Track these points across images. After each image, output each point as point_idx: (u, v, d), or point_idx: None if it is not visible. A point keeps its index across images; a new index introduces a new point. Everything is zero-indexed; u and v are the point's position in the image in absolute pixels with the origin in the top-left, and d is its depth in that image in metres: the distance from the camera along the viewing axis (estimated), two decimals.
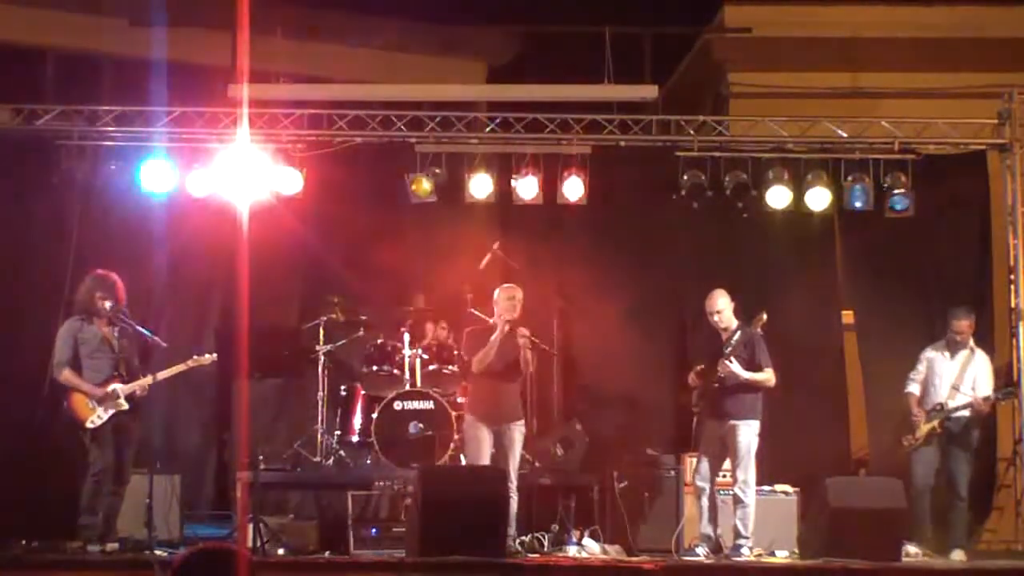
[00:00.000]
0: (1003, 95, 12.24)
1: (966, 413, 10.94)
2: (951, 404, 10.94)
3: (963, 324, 11.10)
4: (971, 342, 11.14)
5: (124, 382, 10.06)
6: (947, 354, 11.12)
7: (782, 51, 14.07)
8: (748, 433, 10.38)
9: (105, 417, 9.97)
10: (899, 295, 12.14)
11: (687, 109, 13.14)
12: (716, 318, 10.59)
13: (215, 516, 11.67)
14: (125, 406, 10.01)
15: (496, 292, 10.50)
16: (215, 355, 10.52)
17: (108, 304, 10.10)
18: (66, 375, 10.09)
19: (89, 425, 9.96)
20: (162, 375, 10.25)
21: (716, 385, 10.43)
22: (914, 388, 11.14)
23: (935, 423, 10.91)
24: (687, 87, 15.39)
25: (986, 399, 10.97)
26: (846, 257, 12.50)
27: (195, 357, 10.39)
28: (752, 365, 10.46)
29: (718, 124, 12.53)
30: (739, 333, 10.50)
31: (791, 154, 12.29)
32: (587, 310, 12.11)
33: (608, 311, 11.98)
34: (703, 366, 10.61)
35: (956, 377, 11.01)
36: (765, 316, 10.53)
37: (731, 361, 10.38)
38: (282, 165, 11.83)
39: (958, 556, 10.68)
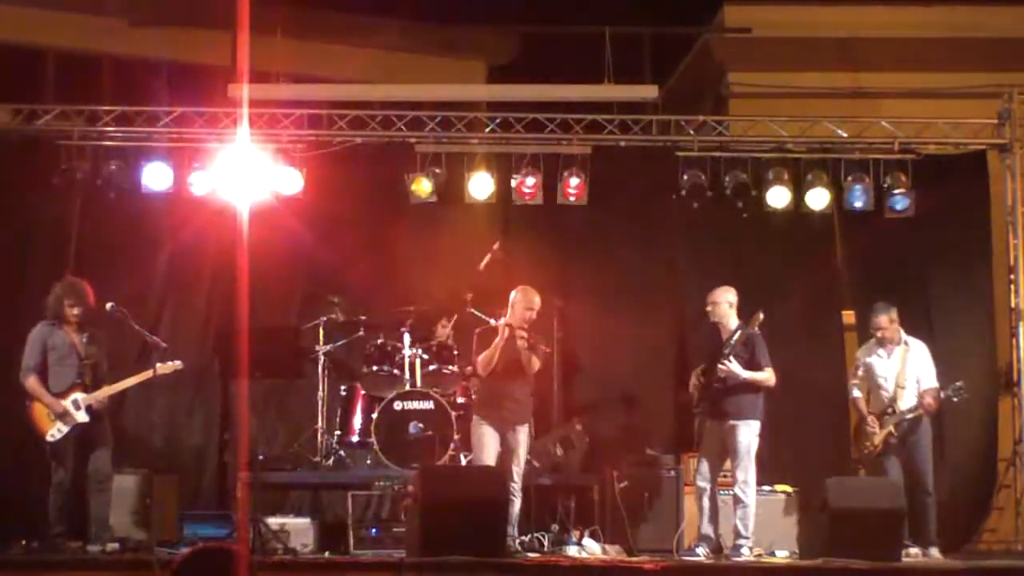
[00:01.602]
0: (1003, 95, 12.25)
1: (915, 414, 10.76)
2: (902, 407, 10.75)
3: (881, 320, 10.88)
4: (902, 335, 10.91)
5: (86, 391, 10.00)
6: (882, 353, 10.92)
7: (782, 51, 14.08)
8: (748, 433, 10.38)
9: (65, 431, 9.92)
10: (899, 295, 12.12)
11: (687, 109, 13.16)
12: (709, 308, 10.59)
13: (215, 516, 11.66)
14: (84, 419, 9.95)
15: (514, 294, 10.34)
16: (179, 363, 10.41)
17: (76, 311, 10.06)
18: (31, 383, 10.02)
19: (49, 439, 9.91)
20: (119, 386, 10.18)
21: (717, 385, 10.43)
22: (857, 392, 10.97)
23: (890, 428, 10.73)
24: (687, 87, 15.40)
25: (934, 397, 10.75)
26: (846, 257, 12.50)
27: (158, 365, 10.31)
28: (752, 364, 10.45)
29: (718, 124, 12.54)
30: (738, 333, 10.50)
31: (791, 154, 12.31)
32: (587, 310, 12.11)
33: (608, 311, 11.99)
34: (703, 367, 10.61)
35: (899, 375, 10.82)
36: (762, 315, 10.52)
37: (731, 360, 10.38)
38: (282, 165, 11.84)
39: (936, 554, 10.60)
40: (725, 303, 10.60)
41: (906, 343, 10.91)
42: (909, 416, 10.72)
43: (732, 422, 10.39)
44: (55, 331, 10.11)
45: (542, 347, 10.36)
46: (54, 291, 10.21)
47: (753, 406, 10.45)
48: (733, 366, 10.37)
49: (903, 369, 10.83)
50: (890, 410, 10.78)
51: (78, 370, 10.04)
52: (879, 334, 10.91)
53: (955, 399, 10.87)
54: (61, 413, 9.91)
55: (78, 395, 9.98)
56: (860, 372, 11.03)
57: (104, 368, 10.18)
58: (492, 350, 10.17)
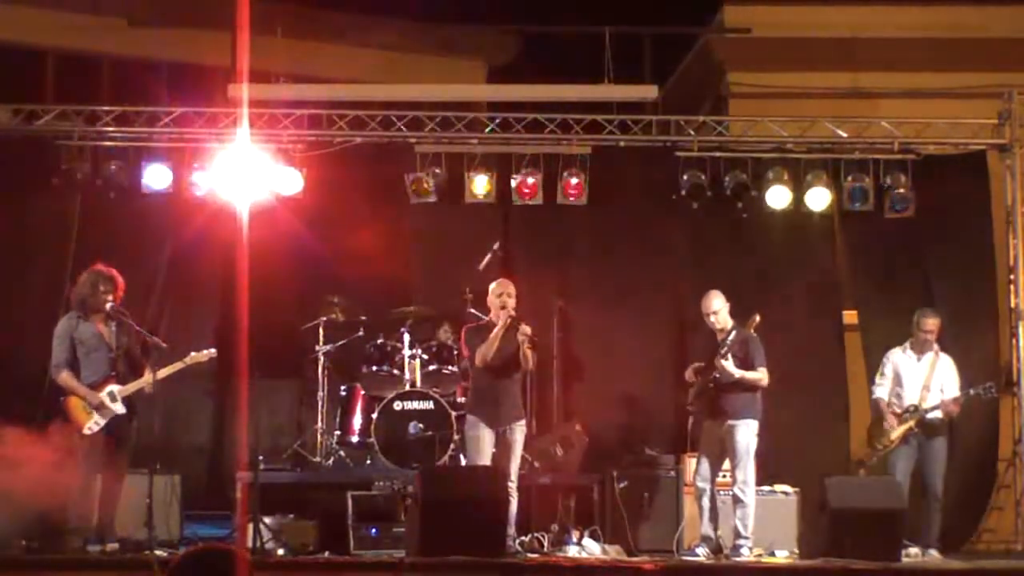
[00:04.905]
0: (1003, 95, 12.25)
1: (938, 414, 10.81)
2: (925, 405, 10.80)
3: (930, 323, 10.93)
4: (936, 346, 10.97)
5: (121, 382, 9.91)
6: (913, 356, 10.97)
7: (782, 51, 14.07)
8: (747, 433, 10.38)
9: (102, 423, 9.83)
10: (899, 295, 12.13)
11: (687, 109, 13.17)
12: (712, 319, 10.57)
13: (215, 516, 11.66)
14: (121, 410, 9.88)
15: (492, 286, 10.34)
16: (213, 351, 10.34)
17: (110, 298, 9.95)
18: (64, 377, 9.91)
19: (86, 431, 9.81)
20: (161, 374, 10.12)
21: (711, 385, 10.43)
22: (882, 392, 10.98)
23: (911, 423, 10.78)
24: (687, 87, 15.40)
25: (955, 400, 10.80)
26: (846, 257, 12.50)
27: (192, 354, 10.28)
28: (746, 364, 10.44)
29: (718, 124, 12.55)
30: (734, 333, 10.49)
31: (791, 154, 12.31)
32: (587, 310, 12.11)
33: (608, 311, 11.99)
34: (698, 366, 10.61)
35: (926, 378, 10.86)
36: (758, 318, 10.51)
37: (727, 360, 10.37)
38: (282, 165, 11.85)
39: (935, 554, 10.60)
40: (724, 308, 10.58)
41: (936, 352, 10.95)
42: (929, 416, 10.76)
43: (730, 422, 10.39)
44: (81, 323, 9.94)
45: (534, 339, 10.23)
46: (85, 280, 10.01)
47: (751, 406, 10.45)
48: (728, 365, 10.36)
49: (930, 374, 10.89)
50: (912, 407, 10.79)
51: (111, 360, 9.92)
52: (928, 336, 10.92)
53: (984, 397, 10.96)
54: (98, 405, 9.84)
55: (113, 387, 9.86)
56: (887, 372, 11.03)
57: (138, 354, 10.01)
58: (490, 341, 10.10)
